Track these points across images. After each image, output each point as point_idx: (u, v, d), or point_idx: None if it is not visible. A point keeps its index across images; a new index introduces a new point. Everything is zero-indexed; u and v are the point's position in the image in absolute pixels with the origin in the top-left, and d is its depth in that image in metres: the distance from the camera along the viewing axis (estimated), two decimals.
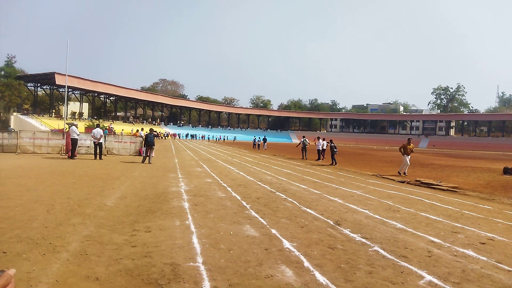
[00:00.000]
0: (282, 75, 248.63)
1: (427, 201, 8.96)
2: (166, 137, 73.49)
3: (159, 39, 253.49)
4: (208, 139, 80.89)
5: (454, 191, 11.12)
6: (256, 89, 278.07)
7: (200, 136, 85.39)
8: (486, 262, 4.41)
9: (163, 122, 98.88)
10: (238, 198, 8.38)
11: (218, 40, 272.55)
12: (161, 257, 4.19)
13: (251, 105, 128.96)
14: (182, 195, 8.58)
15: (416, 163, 23.89)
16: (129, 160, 17.72)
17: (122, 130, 53.26)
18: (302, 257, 4.37)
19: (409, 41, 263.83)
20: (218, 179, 11.86)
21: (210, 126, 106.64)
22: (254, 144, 42.22)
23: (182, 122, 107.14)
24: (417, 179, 13.61)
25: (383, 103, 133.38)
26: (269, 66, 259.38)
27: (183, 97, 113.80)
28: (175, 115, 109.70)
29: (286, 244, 4.90)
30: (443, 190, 11.26)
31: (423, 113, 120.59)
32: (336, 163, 20.01)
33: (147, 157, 16.75)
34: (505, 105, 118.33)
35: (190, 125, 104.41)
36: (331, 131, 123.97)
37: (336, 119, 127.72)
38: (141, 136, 22.48)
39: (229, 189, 9.66)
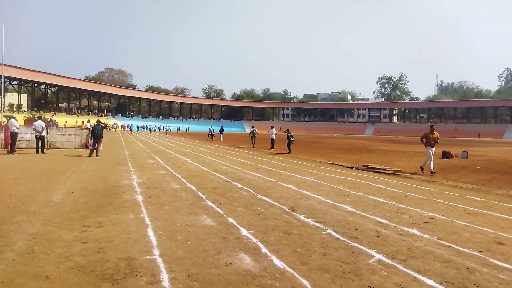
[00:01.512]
0: (234, 64, 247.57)
1: (374, 184, 9.47)
2: (115, 129, 70.43)
3: (104, 25, 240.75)
4: (167, 131, 74.28)
5: (398, 174, 11.85)
6: (208, 78, 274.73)
7: (157, 127, 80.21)
8: (429, 240, 4.78)
9: (110, 113, 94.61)
10: (194, 189, 8.32)
11: (166, 27, 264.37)
12: (115, 252, 4.07)
13: (204, 95, 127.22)
14: (135, 188, 8.34)
15: (363, 149, 25.09)
16: (75, 154, 16.81)
17: (66, 122, 50.24)
18: (259, 244, 4.46)
19: (355, 31, 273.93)
20: (172, 170, 11.65)
21: (161, 117, 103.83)
22: (210, 135, 41.47)
23: (132, 113, 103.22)
24: (364, 164, 14.32)
25: (332, 92, 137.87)
26: (221, 55, 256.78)
27: (132, 87, 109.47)
28: (123, 106, 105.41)
29: (244, 231, 4.97)
30: (388, 174, 11.95)
31: (369, 102, 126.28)
32: (289, 152, 20.43)
33: (95, 150, 16.00)
34: (443, 93, 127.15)
35: (140, 116, 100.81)
36: (283, 120, 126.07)
37: (288, 108, 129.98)
38: (87, 128, 21.42)
39: (184, 180, 9.54)
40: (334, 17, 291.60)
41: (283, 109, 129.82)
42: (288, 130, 21.81)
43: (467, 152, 19.22)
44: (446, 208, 6.79)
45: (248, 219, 5.64)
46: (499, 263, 3.93)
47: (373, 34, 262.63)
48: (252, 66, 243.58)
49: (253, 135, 27.40)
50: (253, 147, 26.33)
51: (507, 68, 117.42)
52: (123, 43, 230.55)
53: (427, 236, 4.90)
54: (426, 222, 5.65)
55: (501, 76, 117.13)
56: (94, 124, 16.93)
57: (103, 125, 18.08)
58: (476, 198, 7.78)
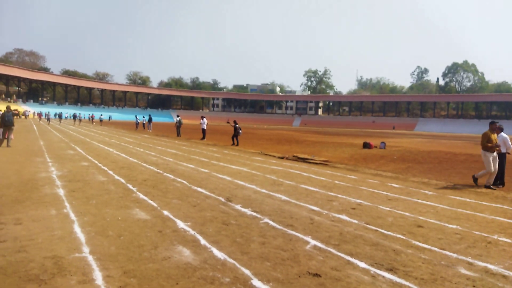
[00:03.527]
0: (160, 51, 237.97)
1: (304, 174, 9.87)
2: (26, 116, 63.59)
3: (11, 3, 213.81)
4: (101, 120, 54.18)
5: (326, 164, 12.50)
6: (132, 65, 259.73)
7: (89, 115, 62.95)
8: (357, 225, 5.12)
9: (21, 99, 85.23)
10: (123, 181, 7.89)
11: (84, 3, 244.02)
12: (39, 251, 3.71)
13: (128, 81, 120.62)
14: (55, 181, 7.66)
15: (292, 140, 25.99)
16: None
17: None
18: (198, 236, 4.39)
19: (284, 25, 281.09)
20: (96, 162, 10.92)
21: (79, 104, 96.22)
22: (137, 124, 39.10)
23: (45, 99, 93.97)
24: (294, 154, 14.86)
25: (262, 84, 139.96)
26: (146, 39, 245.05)
27: (45, 70, 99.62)
28: (35, 91, 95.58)
29: (180, 224, 4.85)
30: (317, 163, 12.55)
31: (296, 94, 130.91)
32: (236, 144, 19.54)
33: (5, 140, 14.35)
34: (363, 88, 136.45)
35: (55, 102, 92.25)
36: (213, 110, 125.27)
37: (218, 99, 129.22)
38: None
39: (111, 172, 9.00)
40: (262, 9, 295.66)
41: (213, 99, 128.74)
42: (235, 121, 21.29)
43: (385, 143, 20.95)
44: (370, 194, 7.33)
45: (184, 211, 5.51)
46: (420, 244, 4.36)
47: (298, 28, 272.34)
48: (179, 53, 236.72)
49: (179, 124, 27.26)
50: (179, 136, 26.18)
51: (418, 66, 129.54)
52: (34, 21, 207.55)
53: (356, 221, 5.25)
54: (354, 208, 6.05)
55: (413, 74, 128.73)
56: (4, 111, 15.14)
57: (15, 112, 16.24)
58: (395, 185, 8.53)
